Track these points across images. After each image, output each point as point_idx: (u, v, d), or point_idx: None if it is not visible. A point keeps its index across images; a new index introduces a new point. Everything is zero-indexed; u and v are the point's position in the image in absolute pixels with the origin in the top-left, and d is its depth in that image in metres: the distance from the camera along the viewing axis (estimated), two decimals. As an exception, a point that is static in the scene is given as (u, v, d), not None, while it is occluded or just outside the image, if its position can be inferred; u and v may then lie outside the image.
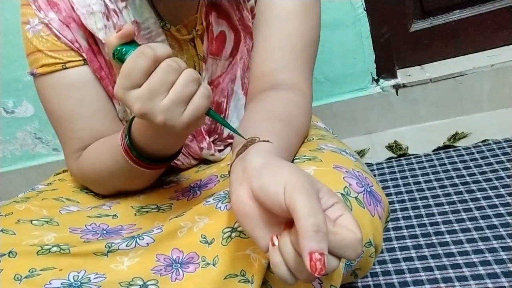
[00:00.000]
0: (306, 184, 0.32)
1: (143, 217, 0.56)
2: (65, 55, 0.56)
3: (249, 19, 0.57)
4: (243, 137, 0.43)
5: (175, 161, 0.61)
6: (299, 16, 0.57)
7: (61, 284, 0.43)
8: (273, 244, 0.34)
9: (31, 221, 0.51)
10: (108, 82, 0.58)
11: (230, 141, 0.63)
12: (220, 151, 0.63)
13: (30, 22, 0.55)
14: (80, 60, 0.56)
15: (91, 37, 0.56)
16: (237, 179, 0.37)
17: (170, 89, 0.38)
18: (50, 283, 0.42)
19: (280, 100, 0.54)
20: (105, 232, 0.52)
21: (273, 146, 0.41)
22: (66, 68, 0.56)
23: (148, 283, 0.44)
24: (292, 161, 0.49)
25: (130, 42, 0.40)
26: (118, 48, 0.40)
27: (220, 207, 0.46)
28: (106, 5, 0.54)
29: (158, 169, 0.52)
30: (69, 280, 0.43)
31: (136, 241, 0.47)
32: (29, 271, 0.43)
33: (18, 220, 0.51)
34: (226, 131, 0.62)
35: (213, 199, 0.48)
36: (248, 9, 0.57)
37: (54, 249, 0.46)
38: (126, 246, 0.46)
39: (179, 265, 0.45)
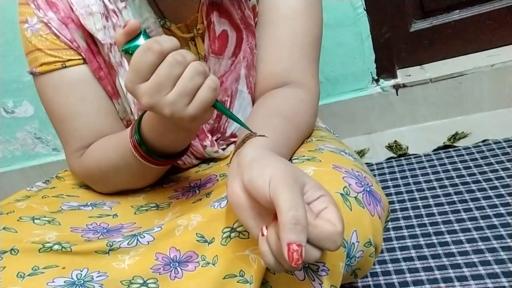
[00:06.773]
0: (289, 179, 0.34)
1: (142, 216, 0.56)
2: (64, 54, 0.56)
3: (251, 17, 0.57)
4: (249, 129, 0.45)
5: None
6: (305, 15, 0.58)
7: (64, 282, 0.43)
8: (262, 234, 0.36)
9: (33, 218, 0.51)
10: (107, 82, 0.58)
11: (233, 139, 0.63)
12: (223, 149, 0.63)
13: (29, 21, 0.55)
14: (79, 59, 0.56)
15: (90, 38, 0.56)
16: (232, 173, 0.40)
17: (176, 82, 0.40)
18: (53, 281, 0.42)
19: (285, 97, 0.55)
20: (105, 231, 0.52)
21: (268, 140, 0.43)
22: (66, 66, 0.56)
23: (148, 281, 0.44)
24: (291, 160, 0.49)
25: (139, 35, 0.41)
26: (125, 47, 0.41)
27: (213, 205, 0.46)
28: (105, 5, 0.54)
29: (166, 165, 0.53)
30: (72, 278, 0.43)
31: (137, 239, 0.47)
32: (32, 269, 0.43)
33: (20, 218, 0.51)
34: (229, 130, 0.62)
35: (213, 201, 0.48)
36: (250, 8, 0.57)
37: (56, 247, 0.46)
38: (128, 244, 0.47)
39: (177, 264, 0.45)
